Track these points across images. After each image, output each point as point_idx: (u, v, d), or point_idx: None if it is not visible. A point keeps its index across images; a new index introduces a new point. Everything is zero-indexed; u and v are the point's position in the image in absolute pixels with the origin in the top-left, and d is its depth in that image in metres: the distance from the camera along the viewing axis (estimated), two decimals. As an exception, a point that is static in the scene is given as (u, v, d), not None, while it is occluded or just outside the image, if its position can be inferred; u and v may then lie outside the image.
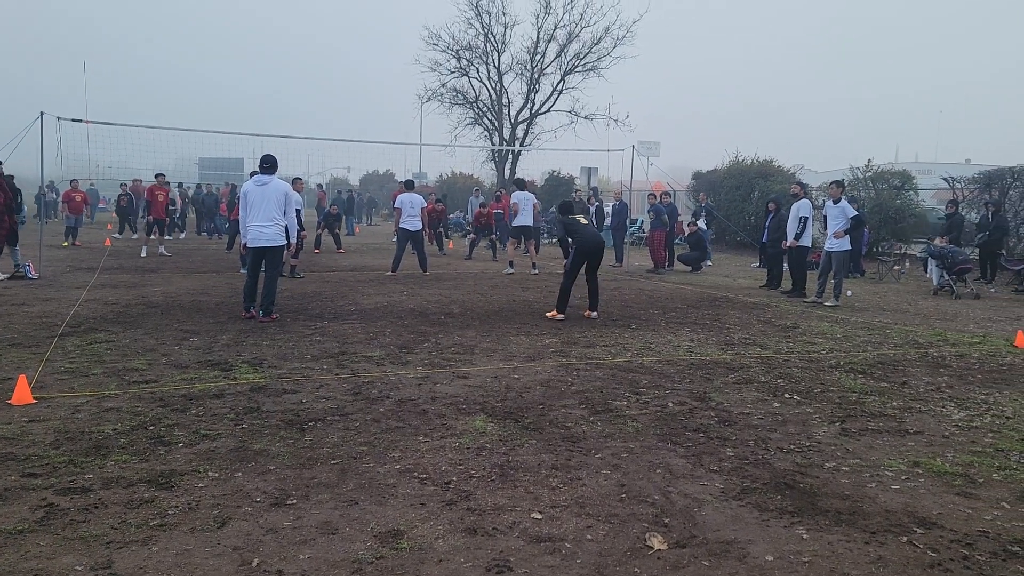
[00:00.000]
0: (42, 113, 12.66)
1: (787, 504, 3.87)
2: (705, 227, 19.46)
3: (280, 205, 8.91)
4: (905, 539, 3.48)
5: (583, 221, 10.05)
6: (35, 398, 5.39)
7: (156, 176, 19.25)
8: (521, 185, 16.54)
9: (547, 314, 9.75)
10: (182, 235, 25.04)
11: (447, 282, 13.55)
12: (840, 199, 11.66)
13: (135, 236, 23.35)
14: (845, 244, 11.61)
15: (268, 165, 9.00)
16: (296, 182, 13.59)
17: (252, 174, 9.28)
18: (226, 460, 4.32)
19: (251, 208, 8.88)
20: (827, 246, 11.77)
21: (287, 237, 9.10)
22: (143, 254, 17.27)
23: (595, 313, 9.79)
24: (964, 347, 8.34)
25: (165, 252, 17.72)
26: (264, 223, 8.83)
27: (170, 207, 23.49)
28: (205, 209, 26.74)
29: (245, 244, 9.14)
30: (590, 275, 9.84)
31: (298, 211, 13.65)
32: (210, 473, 4.11)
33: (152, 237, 18.04)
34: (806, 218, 12.67)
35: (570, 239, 9.94)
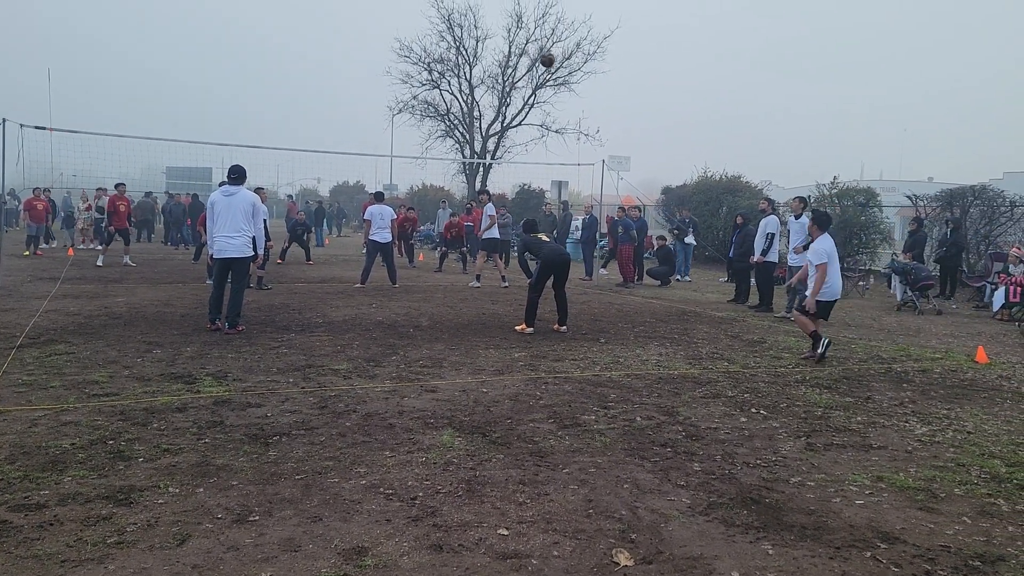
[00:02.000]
0: (3, 119, 12.41)
1: (753, 519, 3.88)
2: (692, 242, 19.54)
3: (248, 216, 8.84)
4: (869, 554, 3.51)
5: (545, 239, 10.14)
6: (-10, 411, 5.25)
7: (116, 186, 18.83)
8: (488, 197, 16.59)
9: (516, 328, 9.74)
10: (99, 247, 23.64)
11: (416, 295, 13.49)
12: (802, 214, 11.88)
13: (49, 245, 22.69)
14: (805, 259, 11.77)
15: (236, 176, 8.92)
16: (259, 192, 13.48)
17: (221, 184, 9.17)
18: (187, 475, 4.23)
19: (218, 219, 8.78)
20: (790, 261, 12.01)
21: (254, 248, 9.02)
22: (99, 263, 16.96)
23: (564, 327, 9.81)
24: (927, 362, 8.48)
25: (130, 263, 17.40)
26: (231, 234, 8.74)
27: (99, 215, 23.10)
28: (173, 219, 26.40)
29: (212, 255, 9.03)
30: (558, 289, 9.87)
31: (264, 221, 13.51)
32: (171, 489, 4.03)
33: (107, 247, 17.72)
34: (772, 234, 12.83)
35: (534, 257, 9.98)
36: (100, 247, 22.83)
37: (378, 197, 15.37)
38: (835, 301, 8.49)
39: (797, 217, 11.93)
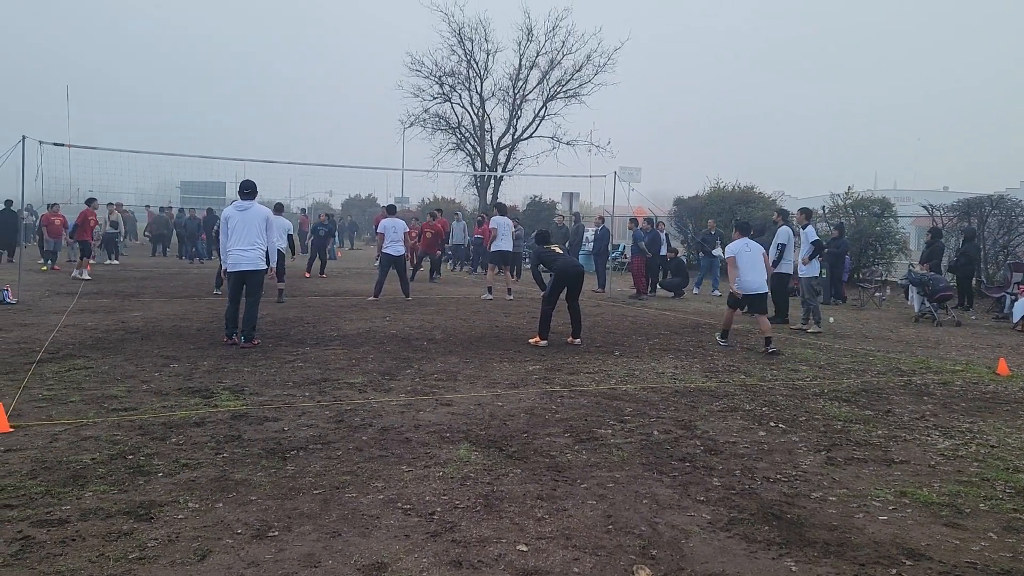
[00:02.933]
0: (24, 137, 12.56)
1: (775, 535, 3.84)
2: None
3: (261, 230, 8.93)
4: (894, 571, 3.46)
5: (558, 251, 10.14)
6: (12, 426, 5.28)
7: (88, 202, 19.05)
8: (501, 210, 16.62)
9: (530, 340, 9.73)
10: (115, 260, 23.42)
11: (430, 308, 13.50)
12: (807, 225, 11.98)
13: (115, 261, 23.00)
14: (812, 270, 11.98)
15: (248, 191, 9.02)
16: (279, 208, 13.65)
17: (234, 201, 9.30)
18: (207, 490, 4.24)
19: (232, 233, 8.87)
20: (800, 272, 12.15)
21: (267, 261, 9.11)
22: (83, 276, 16.89)
23: (578, 340, 9.78)
24: (947, 375, 8.40)
25: (87, 276, 16.90)
26: (245, 247, 8.83)
27: (112, 230, 23.28)
28: (187, 233, 26.58)
29: (226, 270, 9.09)
30: (571, 302, 9.86)
31: (290, 235, 13.52)
32: (190, 504, 4.03)
33: (86, 260, 17.63)
34: (784, 245, 12.78)
35: (548, 269, 9.98)
36: (113, 259, 23.04)
37: (390, 210, 15.44)
38: (762, 294, 9.76)
39: (803, 228, 12.11)
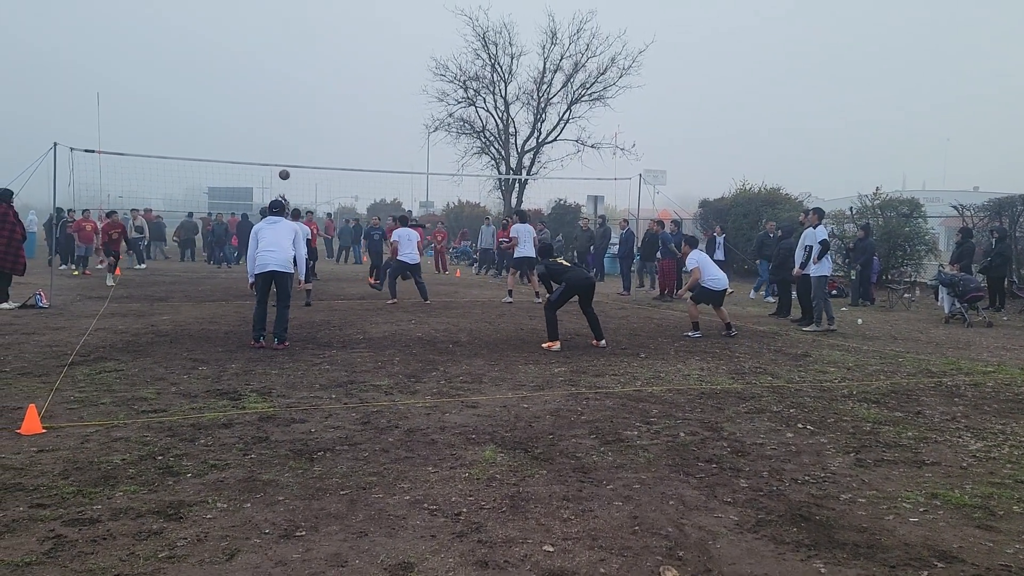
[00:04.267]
0: (55, 144, 12.80)
1: (803, 537, 3.80)
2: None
3: (290, 239, 9.23)
4: (926, 573, 3.41)
5: (566, 264, 10.17)
6: (44, 428, 5.37)
7: (83, 212, 20.23)
8: (522, 217, 16.58)
9: (543, 345, 9.63)
10: (142, 266, 23.41)
11: (454, 311, 13.54)
12: (819, 225, 12.10)
13: (141, 266, 23.32)
14: (823, 268, 12.02)
15: (276, 209, 9.56)
16: (309, 214, 13.73)
17: (262, 211, 9.81)
18: (235, 491, 4.28)
19: (260, 242, 9.15)
20: (811, 272, 12.21)
21: (296, 268, 9.38)
22: (109, 283, 17.01)
23: (603, 342, 9.74)
24: (978, 376, 8.26)
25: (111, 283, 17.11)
26: (272, 248, 9.06)
27: (137, 235, 23.66)
28: (215, 238, 26.88)
29: (252, 283, 9.29)
30: (585, 308, 9.82)
31: (308, 240, 13.46)
32: (219, 504, 4.07)
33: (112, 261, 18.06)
34: (811, 247, 12.66)
35: (557, 282, 9.90)
36: (139, 266, 23.33)
37: (402, 221, 15.52)
38: (723, 291, 11.23)
39: (814, 228, 12.13)
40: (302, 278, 9.82)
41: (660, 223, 18.16)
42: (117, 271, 17.88)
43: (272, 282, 9.12)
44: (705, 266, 11.28)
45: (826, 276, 12.12)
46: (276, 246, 9.04)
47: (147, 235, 25.81)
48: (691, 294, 11.44)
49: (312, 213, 24.59)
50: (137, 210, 26.47)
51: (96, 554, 3.44)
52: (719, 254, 19.02)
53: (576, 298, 9.82)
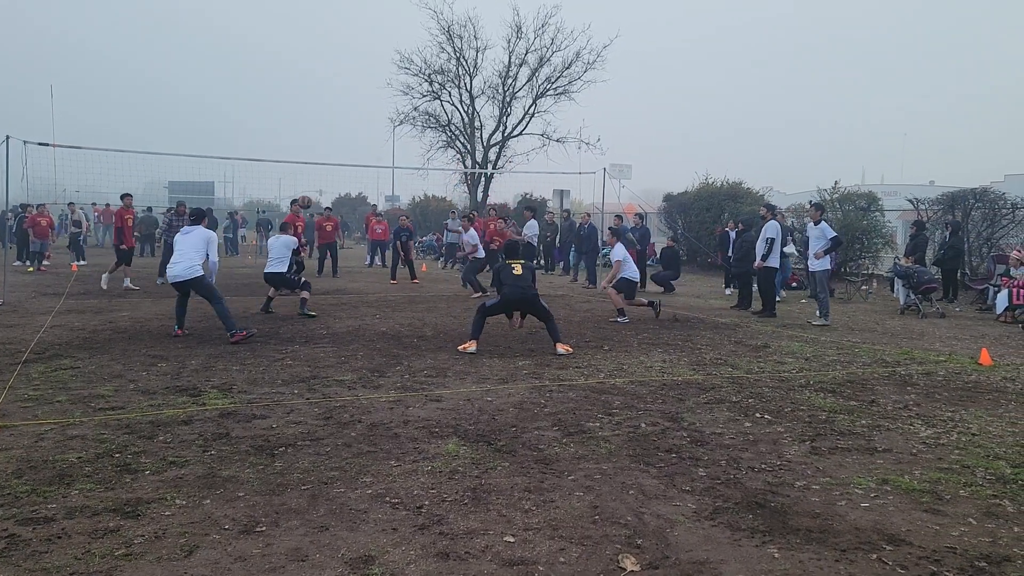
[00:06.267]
0: (8, 136, 12.49)
1: (759, 523, 3.88)
2: (794, 251, 18.08)
3: (197, 248, 9.56)
4: (875, 556, 3.51)
5: (517, 271, 9.27)
6: (-3, 426, 5.27)
7: (38, 206, 19.84)
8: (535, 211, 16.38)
9: (459, 347, 8.91)
10: (83, 262, 22.20)
11: (420, 305, 13.51)
12: (820, 221, 12.15)
13: (82, 262, 22.57)
14: (825, 264, 12.12)
15: (194, 217, 9.99)
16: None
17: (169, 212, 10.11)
18: (194, 487, 4.25)
19: (174, 252, 9.70)
20: (809, 266, 12.29)
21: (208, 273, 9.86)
22: (104, 285, 15.59)
23: (562, 347, 8.89)
24: (930, 365, 8.47)
25: (132, 285, 15.41)
26: (178, 260, 9.49)
27: (75, 229, 22.94)
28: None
29: (161, 283, 9.79)
30: (537, 318, 9.34)
31: (295, 251, 12.69)
32: (177, 501, 4.04)
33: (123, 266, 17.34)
34: (773, 239, 12.86)
35: (498, 287, 9.58)
36: (80, 262, 22.55)
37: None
38: (636, 282, 12.33)
39: (816, 224, 12.26)
40: (212, 279, 10.08)
41: (619, 216, 18.27)
42: (73, 267, 17.44)
43: (185, 289, 9.59)
44: (626, 260, 12.09)
45: (828, 270, 12.37)
46: (182, 256, 9.45)
47: (84, 230, 24.60)
48: (613, 285, 12.14)
49: (331, 209, 23.99)
50: (74, 204, 25.34)
51: (51, 553, 3.39)
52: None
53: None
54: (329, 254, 19.90)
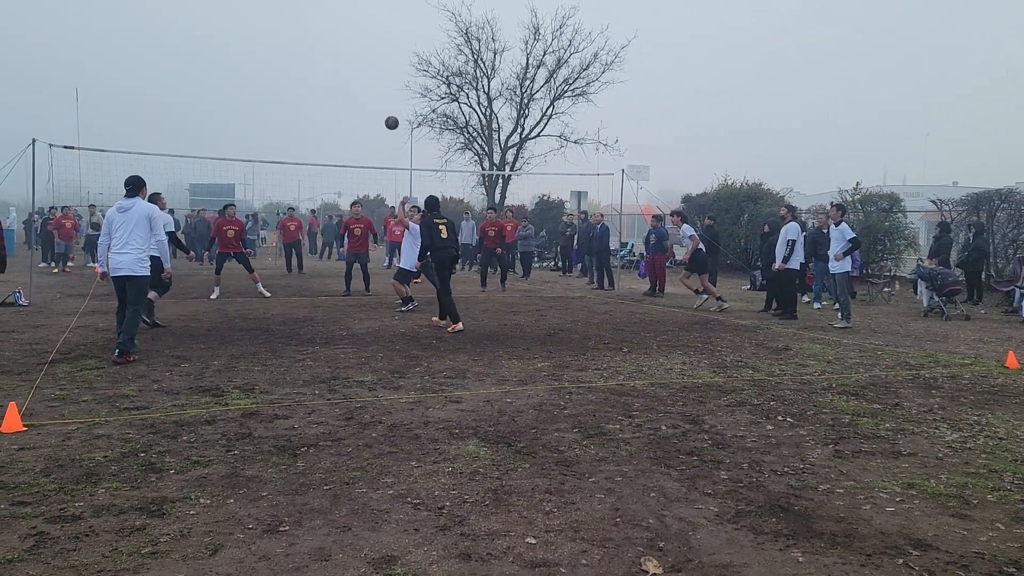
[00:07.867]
0: (34, 140, 12.67)
1: (782, 527, 3.86)
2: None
3: (143, 230, 8.05)
4: (901, 561, 3.48)
5: (443, 231, 10.47)
6: (25, 426, 5.34)
7: (63, 208, 20.22)
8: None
9: (448, 329, 10.22)
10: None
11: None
12: (840, 222, 11.98)
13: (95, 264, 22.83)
14: (845, 265, 11.97)
15: (130, 187, 8.15)
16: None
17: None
18: (218, 487, 4.28)
19: (113, 235, 8.07)
20: (830, 268, 12.24)
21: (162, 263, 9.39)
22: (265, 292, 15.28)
23: (444, 322, 9.34)
24: (955, 368, 8.38)
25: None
26: (124, 251, 7.98)
27: (93, 232, 23.23)
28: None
29: (102, 273, 8.32)
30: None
31: (171, 233, 11.02)
32: (202, 500, 4.08)
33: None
34: (793, 241, 12.77)
35: (430, 254, 10.41)
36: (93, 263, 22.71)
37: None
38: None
39: (836, 224, 12.10)
40: (167, 265, 9.37)
41: (658, 217, 18.07)
42: (96, 268, 17.55)
43: (125, 285, 8.08)
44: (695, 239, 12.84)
45: (848, 271, 12.20)
46: (128, 247, 7.95)
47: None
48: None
49: (294, 209, 24.83)
50: (95, 206, 25.69)
51: (79, 551, 3.44)
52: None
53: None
54: (294, 252, 21.38)
